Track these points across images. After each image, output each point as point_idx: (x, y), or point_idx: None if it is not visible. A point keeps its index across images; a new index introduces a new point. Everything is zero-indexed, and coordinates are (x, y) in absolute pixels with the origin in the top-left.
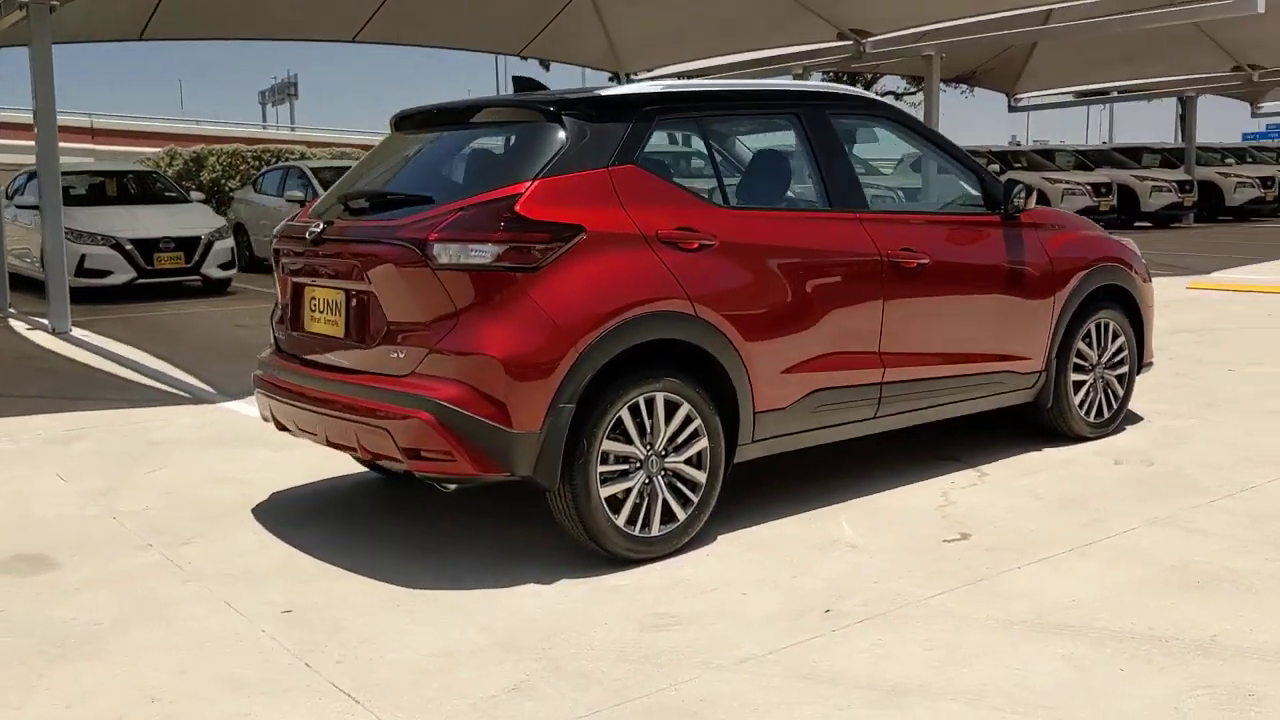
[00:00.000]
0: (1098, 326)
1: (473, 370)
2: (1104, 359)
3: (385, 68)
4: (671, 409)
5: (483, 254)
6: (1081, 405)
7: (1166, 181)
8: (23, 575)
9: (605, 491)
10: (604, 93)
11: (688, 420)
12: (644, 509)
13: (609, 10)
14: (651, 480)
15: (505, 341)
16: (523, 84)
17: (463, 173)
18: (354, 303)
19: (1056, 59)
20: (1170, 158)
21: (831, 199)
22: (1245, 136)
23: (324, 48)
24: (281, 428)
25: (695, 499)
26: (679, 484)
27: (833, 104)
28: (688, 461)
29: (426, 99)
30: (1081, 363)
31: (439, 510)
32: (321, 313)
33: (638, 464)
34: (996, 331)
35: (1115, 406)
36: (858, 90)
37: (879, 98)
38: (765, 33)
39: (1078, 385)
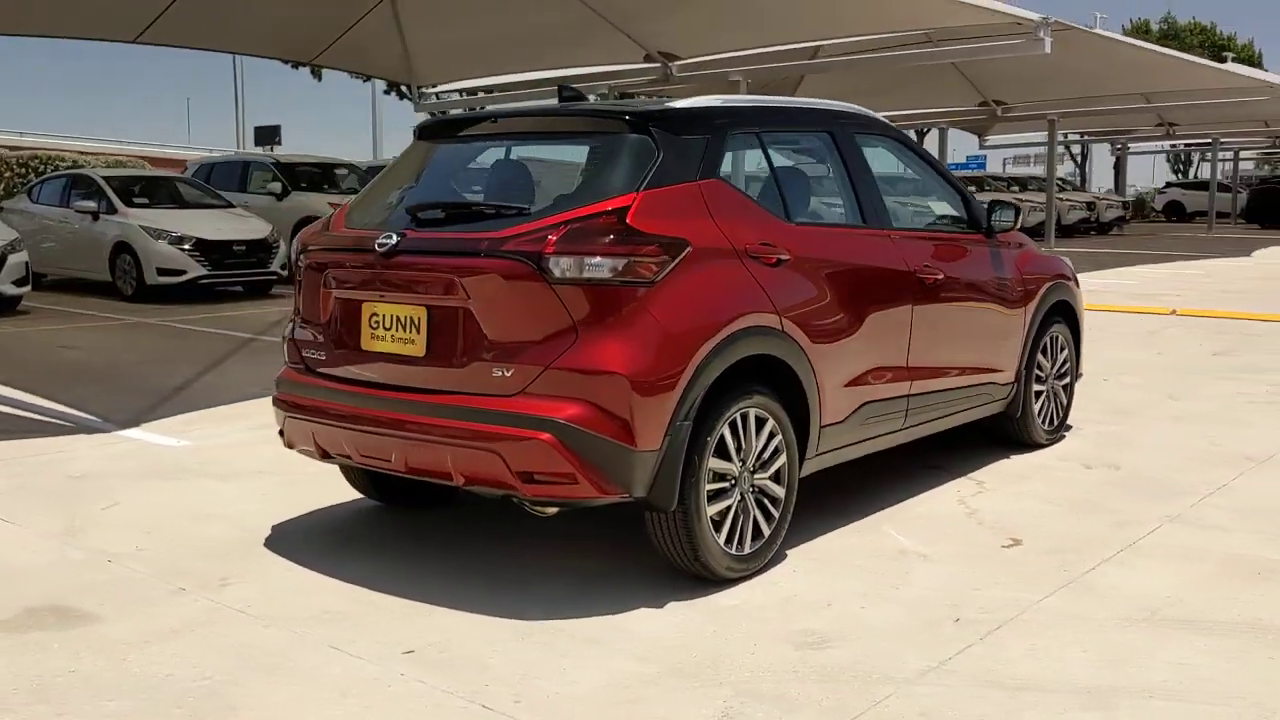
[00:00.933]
0: (1050, 339)
1: (597, 388)
2: (1054, 369)
3: (60, 66)
4: (760, 425)
5: (601, 268)
6: (1039, 414)
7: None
8: (60, 630)
9: (710, 510)
10: (679, 105)
11: (771, 436)
12: (739, 527)
13: (410, 21)
14: (744, 498)
15: (630, 357)
16: (568, 95)
17: (544, 183)
18: (439, 319)
19: (822, 90)
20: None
21: (865, 216)
22: (950, 167)
23: None
24: (325, 455)
25: (776, 514)
26: (765, 500)
27: (854, 123)
28: (771, 477)
29: (114, 102)
30: (1039, 373)
31: (476, 536)
32: (389, 330)
33: (732, 481)
34: (988, 344)
35: (1062, 415)
36: (868, 111)
37: (883, 119)
38: (572, 50)
39: (1036, 395)
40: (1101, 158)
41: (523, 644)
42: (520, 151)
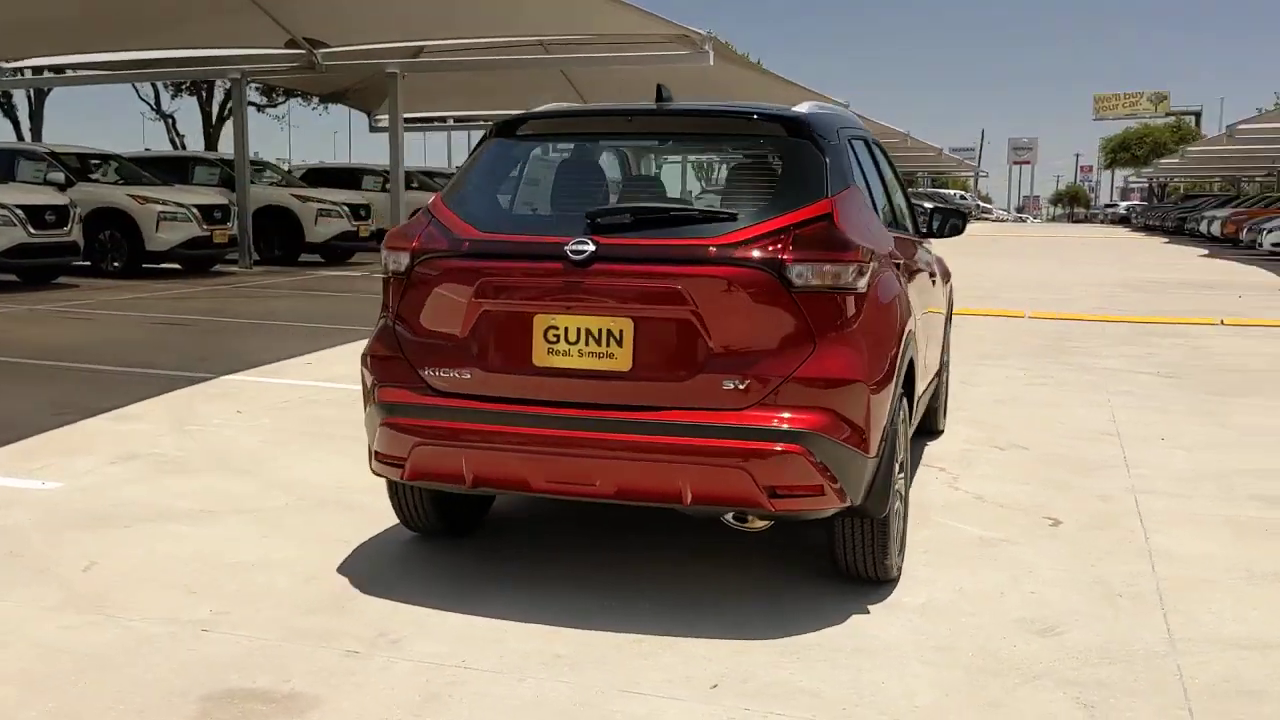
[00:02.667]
0: (945, 334)
1: (839, 397)
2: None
3: None
4: (903, 426)
5: (829, 274)
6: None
7: None
8: (291, 717)
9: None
10: (810, 110)
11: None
12: (899, 528)
13: None
14: (898, 500)
15: (864, 364)
16: (666, 95)
17: (715, 185)
18: (650, 331)
19: (423, 86)
20: None
21: (896, 219)
22: None
23: None
24: (480, 483)
25: (905, 512)
26: (900, 500)
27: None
28: (902, 476)
29: None
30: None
31: (570, 558)
32: (574, 344)
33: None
34: (938, 341)
35: (946, 404)
36: None
37: None
38: (198, 28)
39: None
40: None
41: (804, 663)
42: (656, 152)
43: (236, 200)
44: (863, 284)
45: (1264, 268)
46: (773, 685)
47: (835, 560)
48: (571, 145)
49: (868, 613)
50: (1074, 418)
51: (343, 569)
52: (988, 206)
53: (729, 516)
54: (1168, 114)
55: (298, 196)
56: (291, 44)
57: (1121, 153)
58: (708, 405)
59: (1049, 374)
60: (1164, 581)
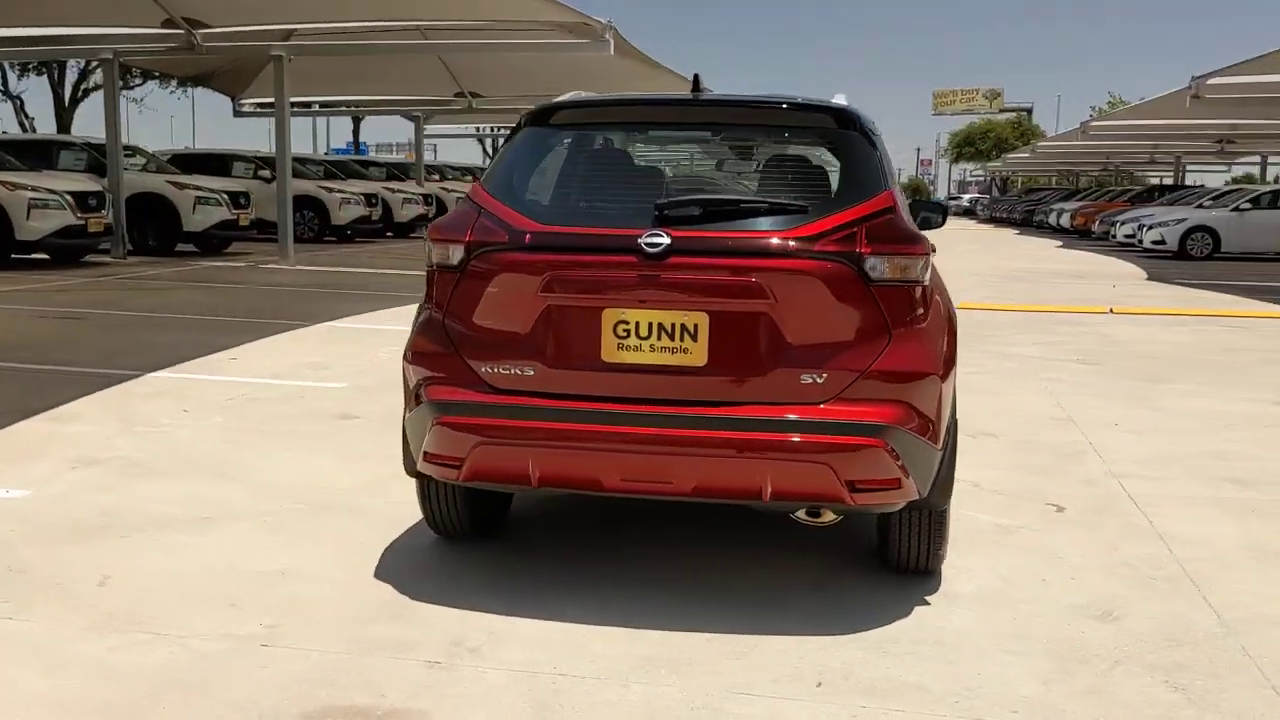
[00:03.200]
0: None
1: (914, 390)
2: None
3: None
4: None
5: (901, 266)
6: None
7: (413, 194)
8: None
9: None
10: (852, 104)
11: None
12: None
13: None
14: None
15: (935, 357)
16: (698, 83)
17: (768, 178)
18: (725, 325)
19: (290, 70)
20: (398, 172)
21: None
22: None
23: None
24: (547, 483)
25: None
26: None
27: None
28: None
29: None
30: None
31: (615, 557)
32: (645, 339)
33: None
34: None
35: None
36: None
37: None
38: (64, 5)
39: None
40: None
41: (894, 658)
42: (700, 143)
43: (109, 187)
44: (928, 277)
45: (1120, 258)
46: (877, 680)
47: (887, 552)
48: (611, 135)
49: (928, 604)
50: (1023, 405)
51: (380, 575)
52: None
53: (801, 512)
54: (1001, 110)
55: (173, 184)
56: (169, 23)
57: (966, 147)
58: (785, 400)
59: (974, 362)
60: (1187, 564)
